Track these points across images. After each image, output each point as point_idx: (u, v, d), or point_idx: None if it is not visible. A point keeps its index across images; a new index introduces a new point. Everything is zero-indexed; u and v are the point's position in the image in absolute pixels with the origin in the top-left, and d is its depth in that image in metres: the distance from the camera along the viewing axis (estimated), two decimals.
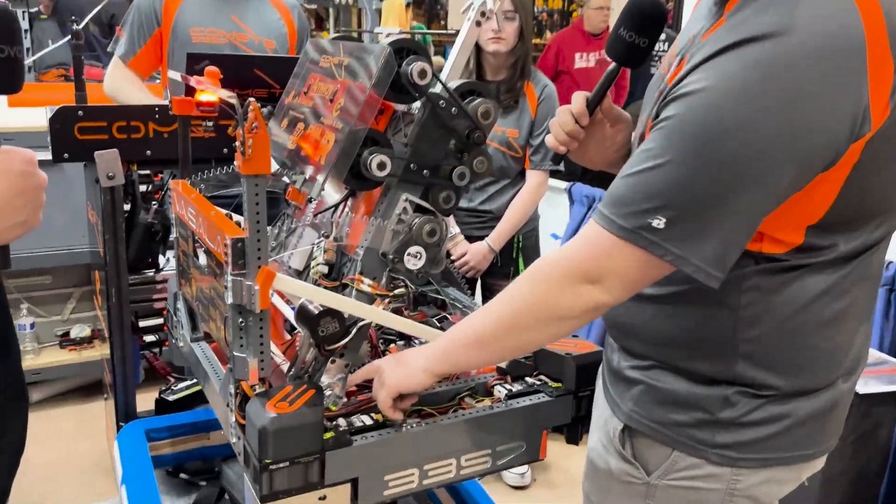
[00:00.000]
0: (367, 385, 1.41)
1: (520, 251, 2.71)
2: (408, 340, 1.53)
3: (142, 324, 2.32)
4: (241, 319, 1.18)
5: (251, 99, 1.09)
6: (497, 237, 2.61)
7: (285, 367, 1.35)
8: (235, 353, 1.19)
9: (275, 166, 1.45)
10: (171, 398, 2.33)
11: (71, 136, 1.94)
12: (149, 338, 2.33)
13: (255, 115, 1.08)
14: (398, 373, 1.17)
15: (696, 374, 1.08)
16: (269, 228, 1.69)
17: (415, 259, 1.28)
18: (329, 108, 1.34)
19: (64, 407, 3.23)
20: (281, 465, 1.12)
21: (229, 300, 1.17)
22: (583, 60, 4.46)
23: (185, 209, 1.45)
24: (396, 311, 1.77)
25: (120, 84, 2.59)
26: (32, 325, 3.17)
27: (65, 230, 3.05)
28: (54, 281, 3.25)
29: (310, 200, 1.41)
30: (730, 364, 1.06)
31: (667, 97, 0.95)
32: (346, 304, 1.20)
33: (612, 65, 1.22)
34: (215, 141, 2.09)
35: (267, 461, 1.11)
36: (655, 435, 1.11)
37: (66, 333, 3.29)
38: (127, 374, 2.12)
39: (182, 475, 2.15)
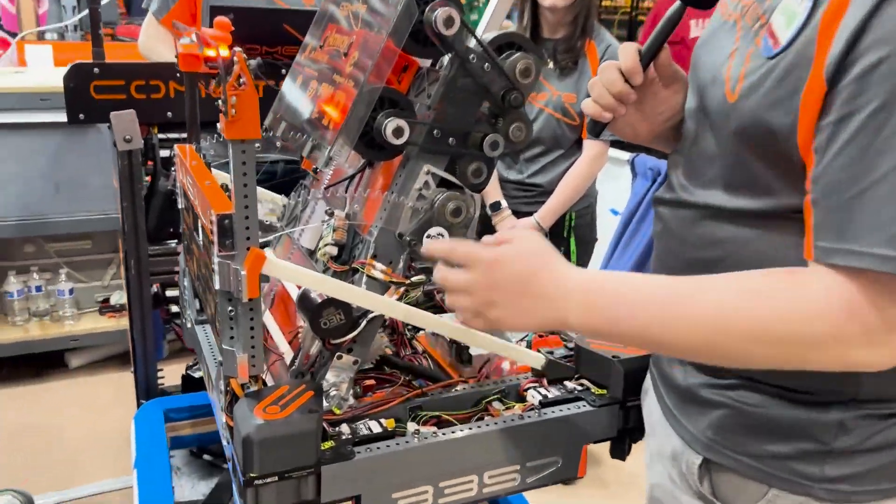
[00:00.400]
0: (382, 379, 1.25)
1: (572, 230, 2.49)
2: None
3: (168, 293, 2.20)
4: (230, 308, 1.02)
5: (236, 49, 0.92)
6: (546, 214, 2.40)
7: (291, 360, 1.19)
8: (224, 346, 1.04)
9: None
10: (197, 374, 2.22)
11: (86, 95, 1.81)
12: (175, 309, 2.21)
13: (240, 67, 0.90)
14: (518, 319, 0.89)
15: (802, 395, 0.86)
16: (287, 200, 1.53)
17: None
18: (343, 64, 1.15)
19: (102, 375, 3.19)
20: (269, 479, 0.96)
21: (217, 285, 1.01)
22: (699, 28, 3.96)
23: (185, 177, 1.29)
24: (428, 295, 1.61)
25: (152, 43, 2.46)
26: (72, 291, 3.11)
27: (103, 194, 2.97)
28: (94, 246, 3.19)
29: (315, 170, 1.24)
30: (851, 379, 0.82)
31: (844, 65, 0.70)
32: (350, 293, 1.03)
33: (675, 4, 0.99)
34: None
35: (252, 475, 0.95)
36: (745, 470, 0.90)
37: (106, 300, 3.23)
38: (147, 349, 2.00)
39: (206, 457, 2.05)
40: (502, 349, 1.15)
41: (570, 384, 1.19)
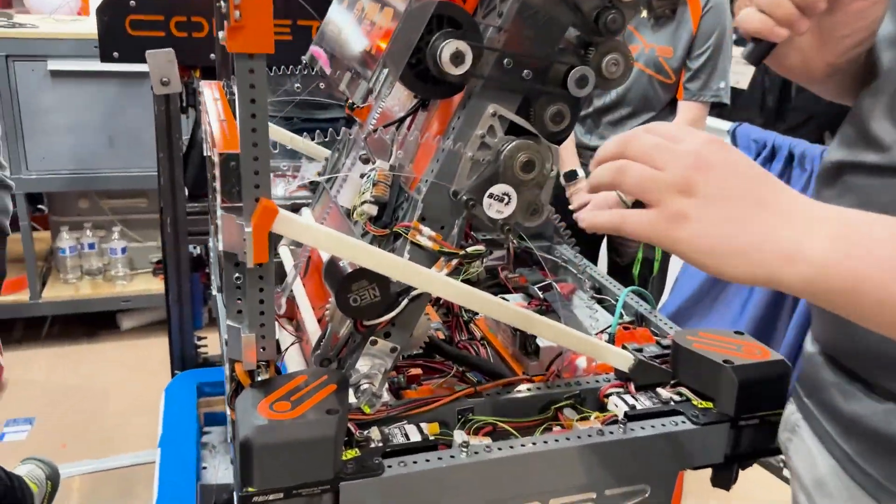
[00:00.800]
0: (431, 368, 1.04)
1: None
2: None
3: None
4: (236, 275, 0.81)
5: None
6: None
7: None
8: (229, 322, 0.83)
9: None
10: None
11: (121, 31, 1.63)
12: None
13: None
14: (723, 230, 0.57)
15: None
16: (331, 154, 1.32)
17: (500, 204, 0.86)
18: None
19: (153, 338, 3.07)
20: (272, 497, 0.75)
21: (220, 245, 0.80)
22: None
23: (206, 118, 1.09)
24: (491, 272, 1.38)
25: None
26: (124, 250, 3.01)
27: None
28: (150, 204, 3.07)
29: (351, 107, 1.01)
30: None
31: None
32: (387, 263, 0.80)
33: None
34: (292, 45, 1.72)
35: (250, 490, 0.74)
36: None
37: (161, 261, 3.11)
38: (183, 315, 1.84)
39: None
40: (579, 342, 0.91)
41: (664, 392, 0.94)
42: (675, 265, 2.36)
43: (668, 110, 2.12)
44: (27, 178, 2.70)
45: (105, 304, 2.98)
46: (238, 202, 0.77)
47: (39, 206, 3.32)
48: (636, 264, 2.17)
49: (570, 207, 2.17)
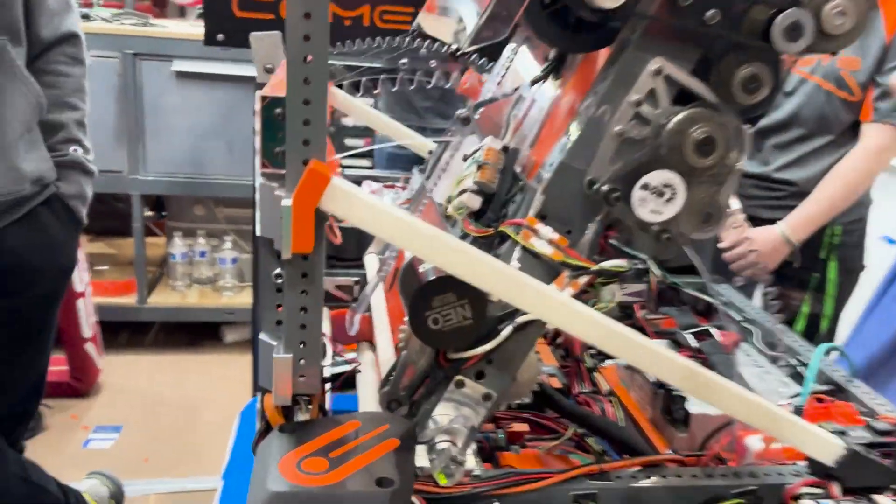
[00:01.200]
0: (540, 425, 0.79)
1: (834, 250, 1.83)
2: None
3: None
4: (276, 271, 0.59)
5: None
6: (799, 223, 1.76)
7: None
8: (262, 337, 0.61)
9: None
10: (331, 370, 1.85)
11: (228, 12, 1.50)
12: None
13: None
14: None
15: None
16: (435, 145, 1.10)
17: (658, 200, 0.59)
18: None
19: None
20: None
21: (258, 229, 0.59)
22: None
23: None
24: (624, 310, 1.10)
25: None
26: (235, 261, 2.92)
27: None
28: None
29: (456, 54, 0.77)
30: None
31: None
32: (486, 273, 0.55)
33: None
34: None
35: None
36: None
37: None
38: None
39: None
40: (770, 420, 0.61)
41: (883, 501, 0.63)
42: (845, 324, 1.97)
43: (849, 134, 1.76)
44: (143, 180, 2.66)
45: (209, 314, 2.89)
46: (282, 168, 0.55)
47: (164, 213, 3.31)
48: (800, 319, 1.80)
49: (721, 245, 1.85)
